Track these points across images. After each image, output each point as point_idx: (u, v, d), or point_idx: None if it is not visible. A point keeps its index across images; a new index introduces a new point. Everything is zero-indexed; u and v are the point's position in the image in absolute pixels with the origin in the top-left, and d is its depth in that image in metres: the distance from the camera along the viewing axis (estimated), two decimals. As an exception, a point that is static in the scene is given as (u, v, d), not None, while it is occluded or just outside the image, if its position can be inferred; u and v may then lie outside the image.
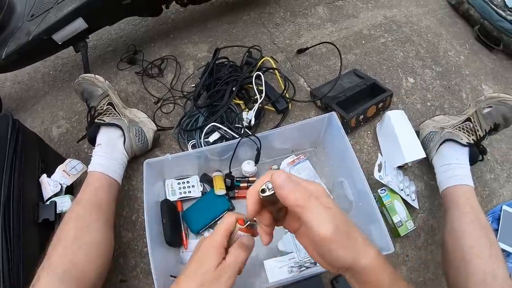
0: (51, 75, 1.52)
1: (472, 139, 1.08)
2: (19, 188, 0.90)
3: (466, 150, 1.07)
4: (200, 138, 1.12)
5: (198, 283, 0.53)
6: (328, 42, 1.43)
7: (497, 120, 1.10)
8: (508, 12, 1.62)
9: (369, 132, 1.27)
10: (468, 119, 1.12)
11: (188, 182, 1.07)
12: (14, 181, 0.90)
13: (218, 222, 0.81)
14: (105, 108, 1.11)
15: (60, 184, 1.01)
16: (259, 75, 1.19)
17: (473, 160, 1.07)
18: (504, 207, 1.11)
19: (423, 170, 1.18)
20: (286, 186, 0.44)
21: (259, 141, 1.01)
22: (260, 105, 1.18)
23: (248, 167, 1.07)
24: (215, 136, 1.12)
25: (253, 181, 1.07)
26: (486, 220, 0.92)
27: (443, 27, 1.72)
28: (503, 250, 1.03)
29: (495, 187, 1.20)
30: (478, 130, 1.10)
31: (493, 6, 1.66)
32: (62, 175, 1.02)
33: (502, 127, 1.12)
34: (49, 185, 0.99)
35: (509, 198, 1.18)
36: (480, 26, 1.71)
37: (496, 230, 1.07)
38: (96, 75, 1.17)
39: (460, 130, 1.10)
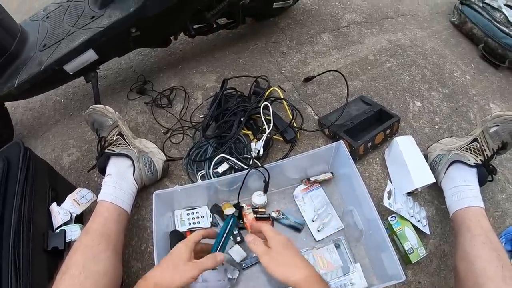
0: (62, 103, 1.56)
1: (480, 160, 1.07)
2: (29, 215, 0.91)
3: (474, 171, 1.06)
4: (209, 169, 1.14)
5: (169, 267, 0.76)
6: (334, 70, 1.45)
7: (505, 138, 1.09)
8: (511, 28, 1.64)
9: (377, 159, 1.27)
10: (475, 140, 1.12)
11: (197, 212, 1.08)
12: (24, 208, 0.91)
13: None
14: (115, 138, 1.13)
15: (70, 213, 1.01)
16: (267, 105, 1.21)
17: (482, 181, 1.06)
18: None
19: (433, 194, 1.17)
20: (249, 240, 0.83)
21: (268, 172, 1.03)
22: (269, 135, 1.20)
23: (258, 199, 1.07)
24: (224, 166, 1.14)
25: (262, 212, 1.08)
26: (498, 241, 0.90)
27: (448, 48, 1.74)
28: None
29: (507, 207, 1.18)
30: (485, 150, 1.09)
31: (496, 23, 1.67)
32: (72, 204, 1.03)
33: (510, 145, 1.11)
34: (59, 213, 0.99)
35: None
36: (484, 44, 1.72)
37: (510, 251, 1.05)
38: (106, 106, 1.20)
39: (467, 151, 1.10)
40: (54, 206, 1.00)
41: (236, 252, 0.99)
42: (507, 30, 1.63)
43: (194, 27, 1.44)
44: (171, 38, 1.49)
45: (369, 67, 1.60)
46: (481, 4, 1.76)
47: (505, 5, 1.74)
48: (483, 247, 0.88)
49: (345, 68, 1.58)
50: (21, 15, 1.27)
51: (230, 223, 0.91)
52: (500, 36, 1.65)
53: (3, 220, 0.86)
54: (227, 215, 1.04)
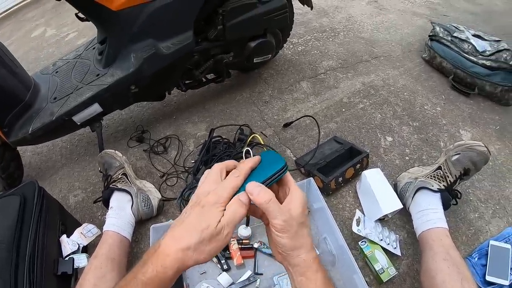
0: (68, 149, 1.73)
1: (443, 185, 1.18)
2: (43, 244, 1.04)
3: (438, 196, 1.17)
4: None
5: (197, 240, 0.53)
6: (309, 116, 1.59)
7: (466, 165, 1.21)
8: (480, 56, 1.78)
9: (350, 192, 1.38)
10: (439, 168, 1.24)
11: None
12: (39, 238, 1.03)
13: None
14: (119, 177, 1.32)
15: (78, 244, 1.16)
16: (248, 150, 1.36)
17: (446, 204, 1.17)
18: (491, 242, 1.18)
19: (404, 219, 1.27)
20: (254, 192, 0.57)
21: (248, 207, 1.17)
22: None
23: (243, 231, 1.20)
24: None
25: (246, 243, 1.19)
26: (459, 257, 1.00)
27: (419, 83, 1.88)
28: (493, 283, 1.09)
29: (480, 224, 1.27)
30: (448, 177, 1.21)
31: (464, 54, 1.82)
32: (80, 236, 1.18)
33: (473, 171, 1.23)
34: (68, 244, 1.14)
35: (496, 233, 1.25)
36: (454, 75, 1.86)
37: (484, 265, 1.14)
38: (116, 151, 1.40)
39: (431, 178, 1.22)
40: (64, 237, 1.15)
41: (224, 279, 1.10)
42: (475, 59, 1.78)
43: (185, 82, 1.64)
44: (166, 93, 1.67)
45: (344, 109, 1.74)
46: (449, 38, 1.92)
47: (473, 35, 1.90)
48: (444, 263, 0.98)
49: (321, 112, 1.73)
50: (26, 64, 1.45)
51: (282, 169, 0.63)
52: (468, 66, 1.80)
53: (19, 247, 0.99)
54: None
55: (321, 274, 0.60)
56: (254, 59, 1.68)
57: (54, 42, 2.86)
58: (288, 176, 0.63)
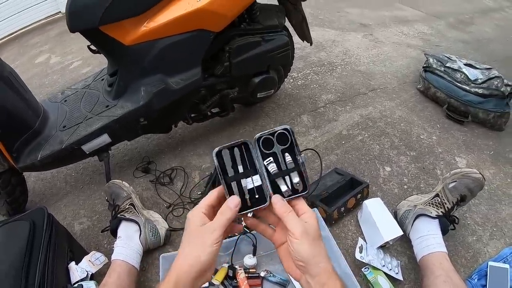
0: (73, 176, 1.74)
1: (441, 212, 1.24)
2: (52, 271, 1.05)
3: (436, 222, 1.22)
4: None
5: (185, 242, 0.62)
6: (311, 149, 1.63)
7: (463, 192, 1.27)
8: (472, 85, 1.87)
9: (352, 221, 1.42)
10: (437, 195, 1.30)
11: (197, 273, 1.24)
12: (48, 265, 1.04)
13: None
14: (127, 207, 1.35)
15: (86, 271, 1.18)
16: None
17: (444, 230, 1.22)
18: (490, 263, 1.22)
19: (405, 246, 1.32)
20: (278, 204, 0.63)
21: (255, 237, 1.23)
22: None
23: (249, 261, 1.24)
24: (218, 235, 1.32)
25: (253, 272, 1.23)
26: (459, 279, 1.05)
27: (415, 114, 1.97)
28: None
29: (478, 247, 1.32)
30: (445, 203, 1.26)
31: (457, 83, 1.92)
32: (88, 264, 1.20)
33: (469, 197, 1.29)
34: (77, 271, 1.16)
35: (494, 254, 1.29)
36: (448, 104, 1.95)
37: (485, 286, 1.17)
38: (123, 181, 1.44)
39: (430, 205, 1.28)
40: (72, 264, 1.17)
41: None
42: (468, 88, 1.87)
43: (191, 116, 1.71)
44: (172, 126, 1.73)
45: (343, 142, 1.80)
46: (442, 69, 2.02)
47: (465, 64, 2.00)
48: (444, 285, 1.04)
49: (322, 145, 1.79)
50: (31, 89, 1.46)
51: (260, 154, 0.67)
52: (462, 95, 1.89)
53: (28, 273, 0.99)
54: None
55: (339, 283, 0.61)
56: (258, 94, 1.76)
57: (58, 70, 2.89)
58: (301, 200, 0.67)
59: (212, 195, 0.66)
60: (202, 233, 0.60)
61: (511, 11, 4.24)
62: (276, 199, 0.64)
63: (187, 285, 0.58)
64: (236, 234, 1.25)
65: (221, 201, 0.65)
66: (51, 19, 4.04)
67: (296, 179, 0.66)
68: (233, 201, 0.63)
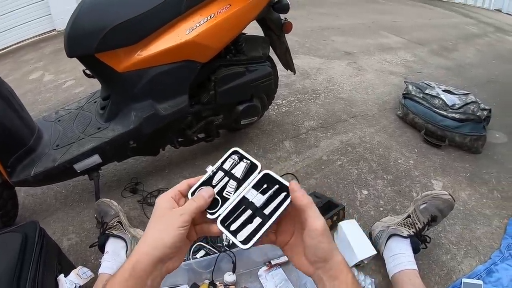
0: (63, 194, 1.77)
1: (412, 231, 1.32)
2: (42, 281, 1.07)
3: (407, 241, 1.30)
4: (189, 255, 1.38)
5: (151, 225, 0.57)
6: (291, 173, 1.72)
7: (433, 212, 1.36)
8: (450, 110, 1.97)
9: (329, 242, 1.49)
10: (409, 216, 1.38)
11: (179, 290, 1.30)
12: (39, 274, 1.07)
13: None
14: (115, 224, 1.41)
15: (75, 283, 1.21)
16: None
17: (415, 248, 1.30)
18: (464, 280, 1.30)
19: (379, 264, 1.38)
20: (299, 192, 0.58)
21: (234, 255, 1.30)
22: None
23: (228, 278, 1.30)
24: (201, 253, 1.38)
25: (232, 288, 1.30)
26: None
27: (393, 139, 2.06)
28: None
29: (453, 265, 1.39)
30: (416, 223, 1.34)
31: (435, 109, 2.02)
32: (76, 277, 1.23)
33: (440, 218, 1.38)
34: (66, 283, 1.19)
35: (468, 271, 1.36)
36: (426, 129, 2.05)
37: None
38: (111, 200, 1.49)
39: (402, 226, 1.36)
40: (61, 277, 1.20)
41: None
42: (445, 113, 1.97)
43: (178, 140, 1.78)
44: (160, 149, 1.80)
45: (323, 167, 1.88)
46: (421, 95, 2.13)
47: (443, 90, 2.11)
48: None
49: (302, 170, 1.86)
50: (24, 104, 1.53)
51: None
52: (439, 120, 1.99)
53: (19, 282, 1.02)
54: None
55: (350, 274, 0.59)
56: (242, 121, 1.84)
57: (51, 88, 2.90)
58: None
59: (184, 183, 0.63)
60: (169, 215, 0.57)
61: (494, 37, 4.43)
62: (296, 186, 0.59)
63: (147, 270, 0.53)
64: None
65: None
66: (45, 36, 4.05)
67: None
68: (208, 191, 0.61)
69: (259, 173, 0.63)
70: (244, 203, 0.62)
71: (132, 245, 1.37)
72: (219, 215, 0.61)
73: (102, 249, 1.36)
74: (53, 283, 1.18)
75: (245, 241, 0.58)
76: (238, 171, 0.65)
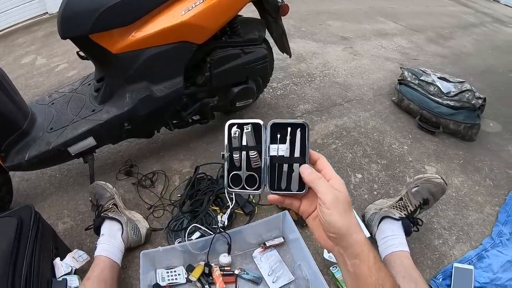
0: (57, 178, 1.77)
1: (404, 214, 1.34)
2: (38, 264, 1.10)
3: (399, 223, 1.32)
4: (184, 237, 1.39)
5: None
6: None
7: (425, 195, 1.37)
8: (445, 97, 1.98)
9: (321, 224, 1.51)
10: (401, 199, 1.40)
11: (175, 271, 1.30)
12: (34, 258, 1.09)
13: None
14: (110, 206, 1.42)
15: (71, 266, 1.24)
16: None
17: (407, 231, 1.31)
18: (455, 264, 1.33)
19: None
20: (306, 172, 0.61)
21: (229, 236, 1.31)
22: (232, 209, 1.48)
23: (224, 259, 1.31)
24: (196, 234, 1.40)
25: (228, 270, 1.30)
26: (418, 275, 1.14)
27: (388, 124, 2.07)
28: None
29: (444, 249, 1.41)
30: (408, 206, 1.36)
31: (430, 96, 2.02)
32: (72, 260, 1.27)
33: (432, 201, 1.39)
34: (62, 266, 1.22)
35: (460, 256, 1.39)
36: (420, 116, 2.06)
37: (449, 286, 1.28)
38: (106, 183, 1.50)
39: (394, 208, 1.38)
40: (57, 260, 1.23)
41: None
42: (440, 100, 1.98)
43: (173, 122, 1.78)
44: (155, 131, 1.80)
45: (317, 150, 1.88)
46: (416, 82, 2.14)
47: (439, 78, 2.11)
48: (403, 280, 1.13)
49: None
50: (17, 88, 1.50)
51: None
52: (433, 107, 2.00)
53: (16, 266, 1.04)
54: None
55: (372, 254, 0.58)
56: (237, 103, 1.83)
57: (44, 71, 2.87)
58: (328, 165, 0.63)
59: None
60: None
61: (491, 27, 4.43)
62: (304, 167, 0.62)
63: None
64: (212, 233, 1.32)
65: None
66: (37, 20, 3.99)
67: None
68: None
69: (266, 128, 0.64)
70: (275, 160, 0.64)
71: (128, 227, 1.38)
72: (265, 185, 0.64)
73: (97, 231, 1.36)
74: (49, 267, 1.20)
75: (300, 188, 0.63)
76: (249, 139, 0.64)
